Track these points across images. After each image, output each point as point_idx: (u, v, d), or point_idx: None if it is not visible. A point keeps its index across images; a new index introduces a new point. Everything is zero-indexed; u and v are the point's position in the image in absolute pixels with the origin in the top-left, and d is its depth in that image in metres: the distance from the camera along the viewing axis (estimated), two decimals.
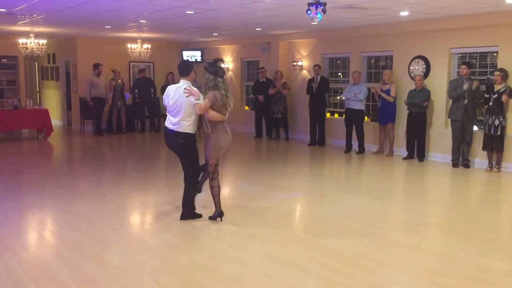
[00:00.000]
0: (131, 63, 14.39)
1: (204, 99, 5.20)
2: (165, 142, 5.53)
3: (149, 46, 13.22)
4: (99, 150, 11.14)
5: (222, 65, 5.52)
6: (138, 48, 13.08)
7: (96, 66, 12.74)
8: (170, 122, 5.31)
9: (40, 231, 5.28)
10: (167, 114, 5.37)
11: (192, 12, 8.61)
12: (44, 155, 10.67)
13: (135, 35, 12.70)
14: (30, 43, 11.99)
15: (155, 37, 13.49)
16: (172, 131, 5.28)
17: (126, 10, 8.52)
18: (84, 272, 4.03)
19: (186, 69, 5.41)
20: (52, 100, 15.63)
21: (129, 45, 13.17)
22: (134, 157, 10.18)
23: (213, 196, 5.37)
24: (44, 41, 12.33)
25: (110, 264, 4.21)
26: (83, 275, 3.96)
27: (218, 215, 5.39)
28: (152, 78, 14.51)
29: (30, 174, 8.13)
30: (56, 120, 14.45)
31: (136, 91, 13.49)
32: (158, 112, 13.79)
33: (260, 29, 11.16)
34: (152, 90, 13.54)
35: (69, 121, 14.76)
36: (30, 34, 11.88)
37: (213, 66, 5.25)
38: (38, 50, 12.14)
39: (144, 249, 4.65)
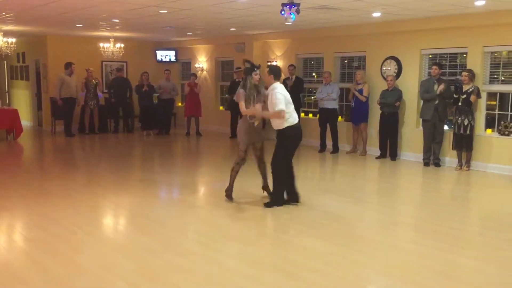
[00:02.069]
0: (104, 63, 14.19)
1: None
2: (298, 137, 6.05)
3: (122, 45, 13.04)
4: (71, 151, 10.94)
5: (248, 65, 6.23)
6: (110, 47, 12.90)
7: (68, 65, 12.48)
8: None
9: (9, 234, 5.15)
10: (290, 112, 5.85)
11: (165, 12, 8.55)
12: (14, 156, 10.42)
13: (107, 34, 12.52)
14: None
15: (129, 36, 13.33)
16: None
17: (98, 8, 8.40)
18: (55, 275, 3.95)
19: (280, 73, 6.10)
20: (22, 100, 15.29)
21: (101, 44, 12.96)
22: (107, 158, 10.03)
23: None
24: (14, 40, 12.04)
25: (83, 267, 4.14)
26: (54, 279, 3.88)
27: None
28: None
29: None
30: (26, 121, 14.14)
31: (112, 90, 13.29)
32: (132, 112, 13.62)
33: (234, 29, 11.16)
34: (128, 90, 13.34)
35: (40, 121, 14.46)
36: None
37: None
38: (7, 49, 11.84)
39: (118, 251, 4.58)
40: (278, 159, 6.01)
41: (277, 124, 5.91)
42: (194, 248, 4.67)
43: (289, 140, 5.96)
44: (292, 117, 5.89)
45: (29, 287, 3.73)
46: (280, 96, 5.76)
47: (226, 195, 6.28)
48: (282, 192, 6.04)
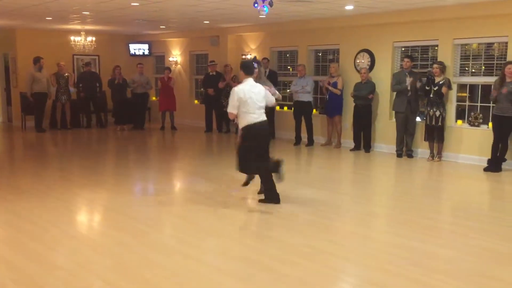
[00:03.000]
0: (75, 56, 13.91)
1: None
2: (260, 137, 5.79)
3: (94, 38, 12.81)
4: (42, 147, 10.72)
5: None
6: (82, 40, 12.64)
7: (37, 60, 12.19)
8: (261, 115, 5.75)
9: None
10: (252, 112, 5.65)
11: (137, 4, 8.42)
12: None
13: (78, 27, 12.27)
14: None
15: (100, 30, 13.09)
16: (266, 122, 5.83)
17: (68, 0, 8.22)
18: (26, 274, 3.86)
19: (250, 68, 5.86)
20: None
21: (72, 38, 12.70)
22: (79, 153, 9.85)
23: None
24: None
25: (55, 264, 4.07)
26: (25, 277, 3.80)
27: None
28: (97, 71, 14.08)
29: None
30: None
31: (80, 85, 13.04)
32: (104, 107, 13.41)
33: (208, 22, 11.07)
34: (97, 85, 13.13)
35: (9, 117, 14.11)
36: None
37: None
38: None
39: (92, 248, 4.52)
40: (242, 161, 5.75)
41: (240, 122, 5.80)
42: (170, 244, 4.64)
43: (248, 140, 5.74)
44: (248, 117, 5.66)
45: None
46: (234, 96, 5.62)
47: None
48: (272, 188, 5.84)
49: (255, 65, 6.12)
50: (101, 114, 13.37)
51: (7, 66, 13.86)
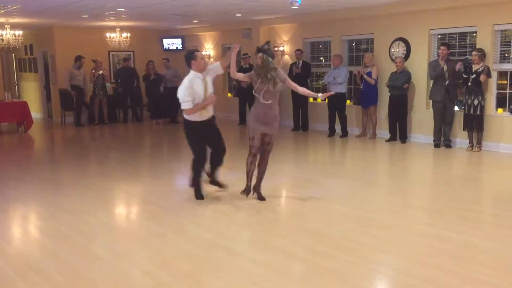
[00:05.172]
0: (111, 53, 14.19)
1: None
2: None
3: (129, 34, 13.03)
4: (81, 142, 11.01)
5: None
6: (117, 37, 12.89)
7: (78, 58, 12.55)
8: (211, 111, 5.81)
9: (23, 225, 5.22)
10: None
11: None
12: (25, 148, 10.52)
13: (113, 23, 12.50)
14: (6, 34, 11.73)
15: (135, 26, 13.31)
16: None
17: None
18: (69, 264, 4.00)
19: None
20: (31, 92, 15.37)
21: (108, 34, 12.96)
22: (117, 147, 10.08)
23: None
24: (20, 32, 12.06)
25: (96, 255, 4.19)
26: (68, 268, 3.93)
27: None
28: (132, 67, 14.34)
29: (12, 168, 8.00)
30: (36, 113, 14.23)
31: (119, 80, 13.32)
32: (140, 102, 13.65)
33: (240, 15, 11.08)
34: (135, 80, 13.36)
35: (49, 113, 14.55)
36: (6, 26, 11.61)
37: (270, 51, 5.72)
38: (15, 42, 11.89)
39: (131, 240, 4.63)
40: None
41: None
42: (207, 236, 4.69)
43: None
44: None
45: (43, 276, 3.78)
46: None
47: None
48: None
49: (259, 53, 5.69)
50: (137, 108, 13.62)
51: (47, 64, 14.28)
